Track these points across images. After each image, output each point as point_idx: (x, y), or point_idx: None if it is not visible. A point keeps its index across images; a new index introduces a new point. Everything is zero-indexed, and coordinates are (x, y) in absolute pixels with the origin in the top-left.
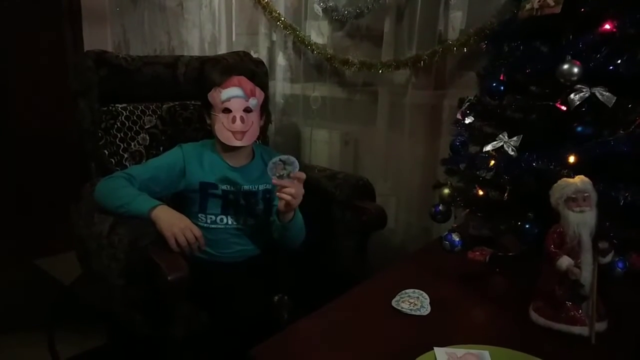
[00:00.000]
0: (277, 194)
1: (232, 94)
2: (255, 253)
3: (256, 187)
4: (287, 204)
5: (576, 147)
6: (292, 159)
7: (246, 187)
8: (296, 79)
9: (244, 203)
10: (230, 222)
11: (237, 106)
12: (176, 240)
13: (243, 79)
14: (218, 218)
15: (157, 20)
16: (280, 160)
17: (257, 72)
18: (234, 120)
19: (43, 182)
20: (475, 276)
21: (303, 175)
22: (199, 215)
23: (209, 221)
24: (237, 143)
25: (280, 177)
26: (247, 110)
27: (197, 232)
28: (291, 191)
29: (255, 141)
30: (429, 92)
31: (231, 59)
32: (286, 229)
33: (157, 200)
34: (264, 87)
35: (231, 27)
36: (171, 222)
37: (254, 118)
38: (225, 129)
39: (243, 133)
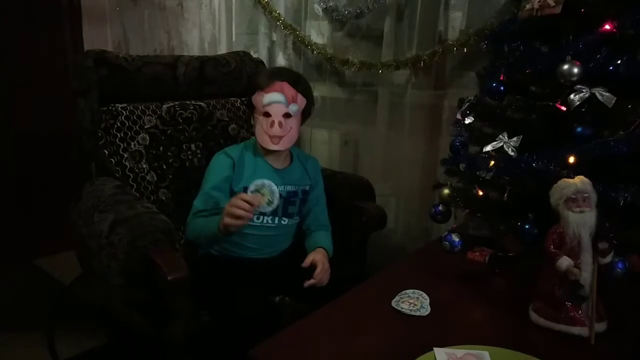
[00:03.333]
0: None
1: (274, 99)
2: (275, 254)
3: (297, 187)
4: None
5: (576, 147)
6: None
7: (288, 187)
8: None
9: (283, 203)
10: (265, 221)
11: (277, 111)
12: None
13: (285, 84)
14: (255, 217)
15: (157, 20)
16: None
17: (301, 79)
18: (272, 124)
19: (42, 181)
20: (475, 277)
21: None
22: None
23: None
24: (273, 147)
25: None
26: (287, 115)
27: (243, 195)
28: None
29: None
30: (429, 92)
31: (231, 60)
32: None
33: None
34: (309, 93)
35: (231, 26)
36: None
37: (292, 123)
38: (263, 132)
39: (280, 137)
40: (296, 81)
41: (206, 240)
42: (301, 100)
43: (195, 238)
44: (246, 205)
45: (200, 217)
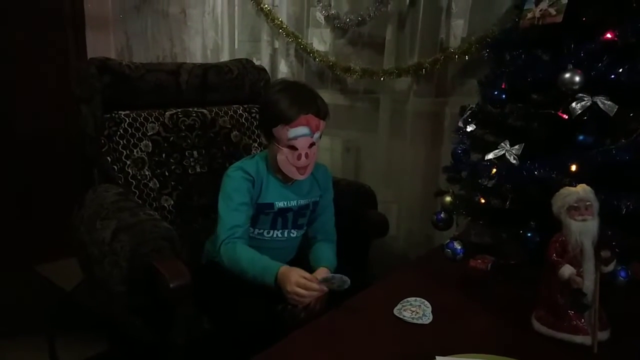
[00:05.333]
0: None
1: (299, 133)
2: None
3: (309, 200)
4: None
5: (578, 155)
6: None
7: (302, 202)
8: None
9: (293, 217)
10: (275, 235)
11: (303, 144)
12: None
13: (311, 117)
14: (265, 231)
15: (160, 27)
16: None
17: (319, 100)
18: (299, 157)
19: (44, 188)
20: (477, 284)
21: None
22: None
23: (255, 233)
24: (301, 177)
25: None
26: (311, 145)
27: (308, 278)
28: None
29: None
30: (431, 100)
31: (234, 67)
32: None
33: (274, 267)
34: (327, 110)
35: (234, 34)
36: (284, 286)
37: (315, 149)
38: (289, 163)
39: (306, 167)
40: (318, 107)
41: (251, 277)
42: (323, 125)
43: (234, 267)
44: (309, 293)
45: (239, 240)
